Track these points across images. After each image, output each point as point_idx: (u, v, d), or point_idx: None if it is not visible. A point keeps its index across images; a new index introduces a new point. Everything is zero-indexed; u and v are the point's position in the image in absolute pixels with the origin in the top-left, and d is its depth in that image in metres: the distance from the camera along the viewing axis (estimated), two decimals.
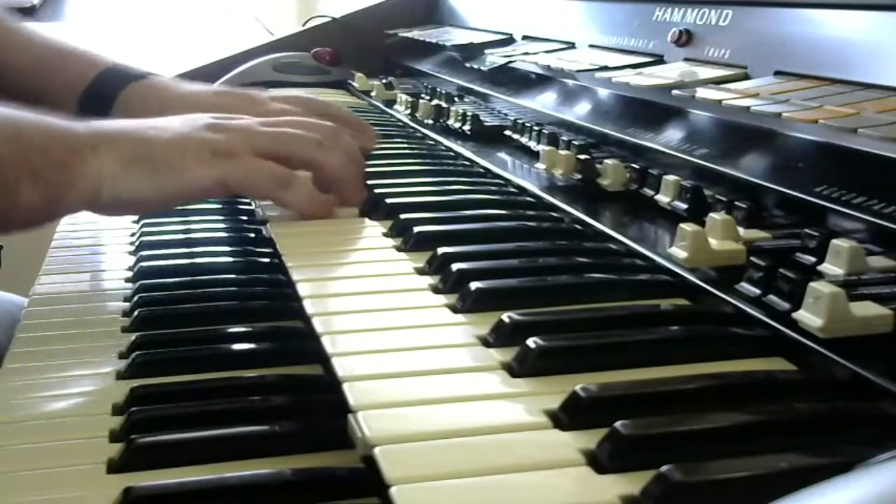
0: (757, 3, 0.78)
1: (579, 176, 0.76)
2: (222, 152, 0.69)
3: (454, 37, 1.35)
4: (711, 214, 0.58)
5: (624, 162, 0.74)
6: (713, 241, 0.56)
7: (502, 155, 0.93)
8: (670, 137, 0.76)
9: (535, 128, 0.90)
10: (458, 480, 0.36)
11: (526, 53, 1.08)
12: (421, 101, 1.13)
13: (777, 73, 0.73)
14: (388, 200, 0.74)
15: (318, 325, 0.52)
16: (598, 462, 0.37)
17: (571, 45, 1.05)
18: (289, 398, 0.52)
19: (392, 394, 0.43)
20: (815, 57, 0.70)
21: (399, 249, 0.65)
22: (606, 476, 0.36)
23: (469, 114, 1.01)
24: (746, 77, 0.75)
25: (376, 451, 0.38)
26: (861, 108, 0.60)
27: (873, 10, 0.66)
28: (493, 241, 0.64)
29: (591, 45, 1.01)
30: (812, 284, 0.45)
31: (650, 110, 0.82)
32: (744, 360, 0.47)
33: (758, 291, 0.50)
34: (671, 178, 0.67)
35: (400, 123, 1.14)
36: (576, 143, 0.83)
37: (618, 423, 0.37)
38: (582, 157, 0.77)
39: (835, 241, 0.51)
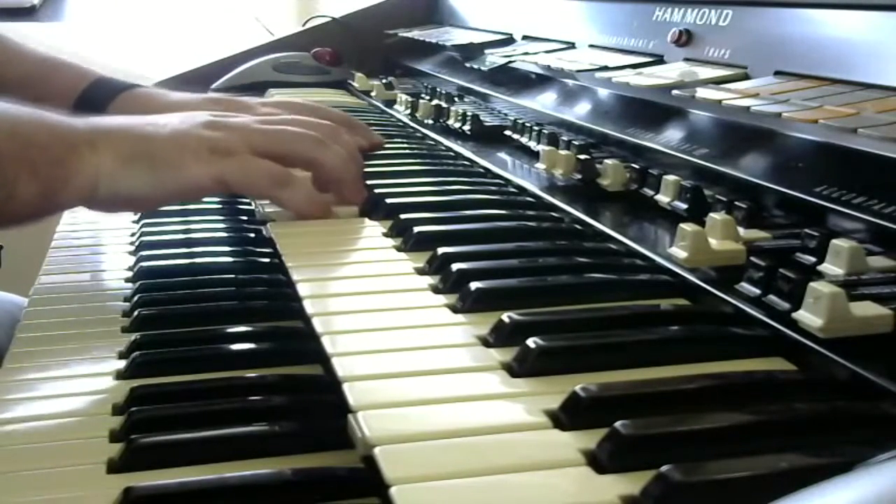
0: (757, 3, 0.78)
1: (579, 176, 0.76)
2: (221, 150, 0.68)
3: (454, 37, 1.35)
4: (711, 214, 0.58)
5: (624, 162, 0.74)
6: (713, 241, 0.56)
7: (502, 155, 0.93)
8: (670, 137, 0.76)
9: (535, 128, 0.90)
10: (458, 480, 0.36)
11: (526, 53, 1.08)
12: (421, 101, 1.13)
13: (777, 73, 0.73)
14: (388, 200, 0.74)
15: (318, 325, 0.52)
16: (598, 462, 0.37)
17: (571, 45, 1.05)
18: (289, 398, 0.52)
19: (392, 394, 0.43)
20: (815, 57, 0.70)
21: (399, 249, 0.66)
22: (606, 476, 0.36)
23: (469, 114, 1.01)
24: (746, 77, 0.75)
25: (376, 451, 0.38)
26: (861, 108, 0.60)
27: (873, 10, 0.66)
28: (493, 241, 0.64)
29: (591, 45, 1.01)
30: (812, 284, 0.45)
31: (650, 110, 0.82)
32: (744, 360, 0.47)
33: (758, 291, 0.50)
34: (671, 178, 0.67)
35: (400, 123, 1.14)
36: (576, 143, 0.83)
37: (618, 423, 0.37)
38: (582, 157, 0.77)
39: (835, 241, 0.51)
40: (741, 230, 0.58)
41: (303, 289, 0.58)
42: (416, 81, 1.40)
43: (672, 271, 0.57)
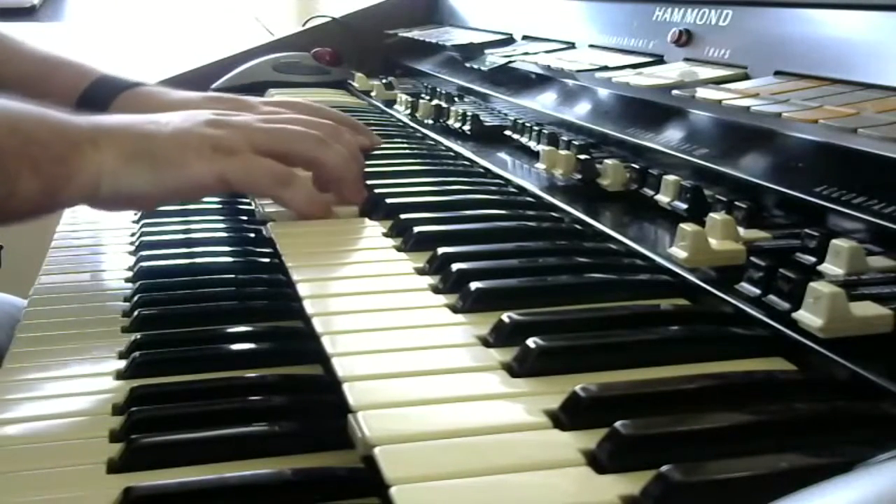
0: (757, 3, 0.78)
1: (579, 176, 0.76)
2: (223, 148, 0.68)
3: (454, 37, 1.35)
4: (711, 214, 0.58)
5: (624, 162, 0.74)
6: (713, 241, 0.56)
7: (502, 155, 0.93)
8: (670, 137, 0.76)
9: (535, 128, 0.90)
10: (458, 480, 0.36)
11: (526, 53, 1.08)
12: (421, 101, 1.13)
13: (777, 73, 0.73)
14: (388, 200, 0.74)
15: (318, 325, 0.52)
16: (598, 462, 0.37)
17: (571, 45, 1.05)
18: (289, 398, 0.52)
19: (392, 394, 0.43)
20: (815, 57, 0.70)
21: (399, 249, 0.66)
22: (606, 476, 0.36)
23: (469, 114, 1.01)
24: (746, 77, 0.75)
25: (376, 451, 0.38)
26: (861, 108, 0.60)
27: (873, 10, 0.66)
28: (493, 241, 0.64)
29: (591, 45, 1.01)
30: (812, 284, 0.45)
31: (650, 110, 0.82)
32: (744, 360, 0.47)
33: (758, 291, 0.50)
34: (671, 178, 0.67)
35: (400, 123, 1.14)
36: (576, 143, 0.83)
37: (618, 423, 0.37)
38: (582, 157, 0.77)
39: (835, 241, 0.51)
40: (741, 230, 0.58)
41: (303, 289, 0.58)
42: (416, 81, 1.40)
43: (672, 271, 0.57)
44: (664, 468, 0.34)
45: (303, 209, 0.72)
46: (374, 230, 0.70)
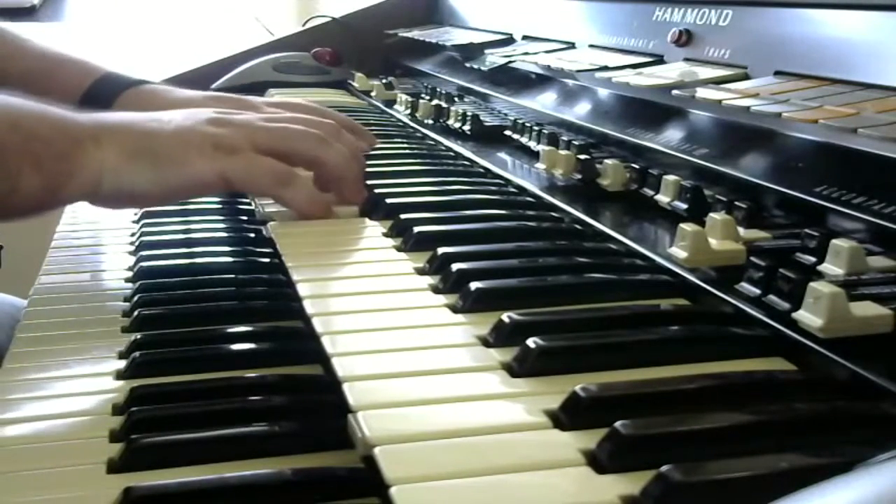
0: (757, 3, 0.78)
1: (579, 176, 0.76)
2: (224, 147, 0.68)
3: (454, 37, 1.35)
4: (711, 214, 0.58)
5: (624, 162, 0.74)
6: (713, 241, 0.56)
7: (502, 155, 0.93)
8: (670, 137, 0.76)
9: (535, 128, 0.90)
10: (458, 480, 0.36)
11: (526, 53, 1.08)
12: (421, 101, 1.13)
13: (777, 73, 0.73)
14: (388, 200, 0.74)
15: (318, 325, 0.52)
16: (598, 462, 0.37)
17: (571, 45, 1.05)
18: (289, 398, 0.52)
19: (392, 394, 0.43)
20: (815, 57, 0.70)
21: (399, 249, 0.66)
22: (606, 476, 0.36)
23: (469, 114, 1.01)
24: (746, 77, 0.75)
25: (376, 451, 0.38)
26: (861, 108, 0.60)
27: (873, 10, 0.66)
28: (493, 241, 0.64)
29: (591, 45, 1.01)
30: (812, 284, 0.45)
31: (650, 110, 0.82)
32: (744, 360, 0.47)
33: (758, 291, 0.50)
34: (671, 178, 0.67)
35: (400, 123, 1.14)
36: (576, 143, 0.83)
37: (618, 423, 0.37)
38: (582, 157, 0.77)
39: (835, 241, 0.51)
40: (741, 230, 0.58)
41: (303, 289, 0.58)
42: (416, 81, 1.40)
43: (672, 271, 0.57)
44: (664, 468, 0.34)
45: (303, 209, 0.72)
46: (374, 230, 0.70)
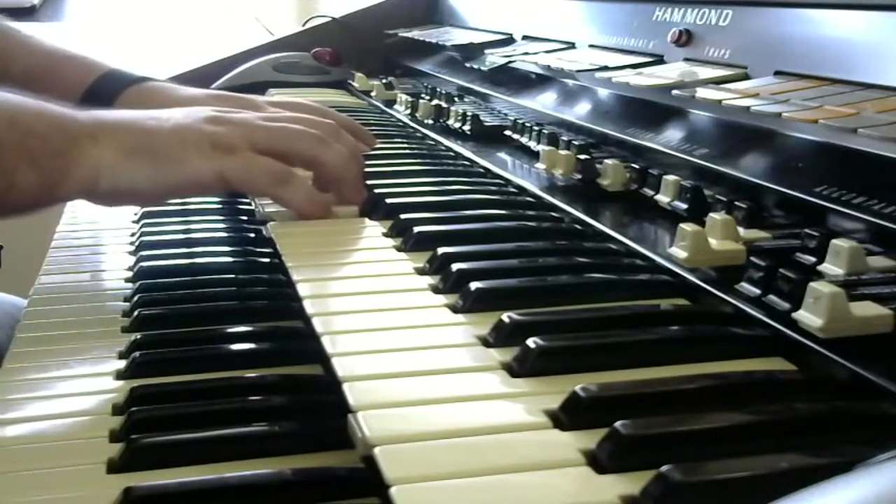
0: (757, 3, 0.78)
1: (579, 176, 0.76)
2: (222, 146, 0.68)
3: (454, 37, 1.35)
4: (711, 214, 0.58)
5: (624, 162, 0.74)
6: (713, 241, 0.56)
7: (502, 155, 0.93)
8: (670, 137, 0.76)
9: (535, 128, 0.90)
10: (458, 480, 0.36)
11: (526, 53, 1.08)
12: (421, 101, 1.13)
13: (777, 73, 0.73)
14: (388, 200, 0.74)
15: (318, 325, 0.52)
16: (598, 462, 0.37)
17: (571, 45, 1.05)
18: (289, 398, 0.52)
19: (392, 394, 0.43)
20: (815, 57, 0.70)
21: (399, 249, 0.66)
22: (606, 476, 0.36)
23: (469, 114, 1.01)
24: (746, 77, 0.75)
25: (376, 451, 0.38)
26: (861, 108, 0.60)
27: (873, 10, 0.66)
28: (493, 241, 0.64)
29: (591, 45, 1.01)
30: (812, 284, 0.45)
31: (650, 110, 0.82)
32: (744, 360, 0.47)
33: (758, 291, 0.50)
34: (671, 178, 0.67)
35: (400, 123, 1.14)
36: (576, 143, 0.83)
37: (618, 423, 0.37)
38: (582, 157, 0.77)
39: (835, 241, 0.51)
40: (741, 230, 0.58)
41: (303, 289, 0.58)
42: (416, 81, 1.40)
43: (672, 271, 0.57)
44: (664, 468, 0.34)
45: (302, 208, 0.72)
46: (374, 230, 0.70)
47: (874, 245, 0.53)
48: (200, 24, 2.57)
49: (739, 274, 0.52)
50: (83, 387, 0.54)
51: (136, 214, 0.89)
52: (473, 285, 0.54)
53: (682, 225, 0.56)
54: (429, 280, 0.59)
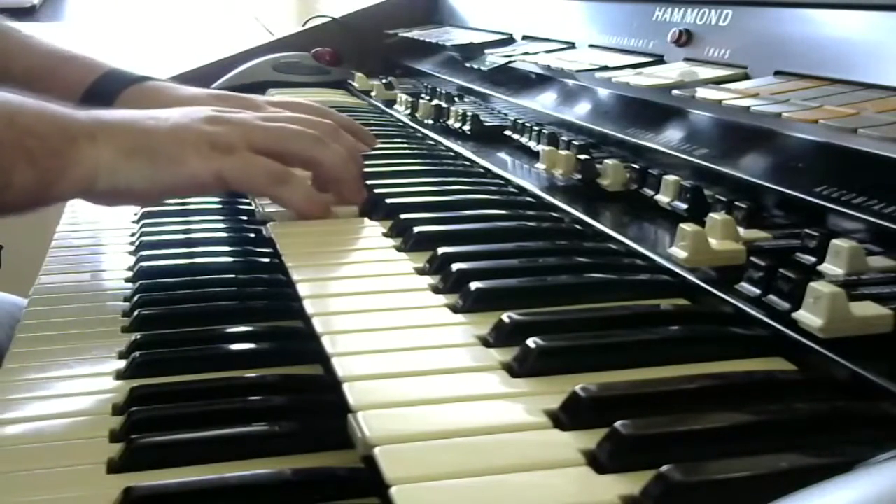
0: (757, 3, 0.78)
1: (579, 176, 0.76)
2: (221, 146, 0.68)
3: (454, 37, 1.35)
4: (711, 214, 0.58)
5: (624, 162, 0.74)
6: (713, 241, 0.56)
7: (502, 155, 0.93)
8: (670, 137, 0.76)
9: (535, 128, 0.90)
10: (457, 480, 0.36)
11: (526, 53, 1.08)
12: (421, 101, 1.13)
13: (777, 73, 0.73)
14: (388, 200, 0.74)
15: (318, 325, 0.52)
16: (598, 462, 0.37)
17: (571, 45, 1.05)
18: (289, 398, 0.52)
19: (392, 394, 0.43)
20: (815, 57, 0.70)
21: (399, 249, 0.66)
22: (606, 476, 0.36)
23: (469, 114, 1.01)
24: (746, 77, 0.75)
25: (376, 451, 0.38)
26: (861, 108, 0.60)
27: (873, 10, 0.66)
28: (493, 241, 0.64)
29: (591, 45, 1.01)
30: (812, 284, 0.45)
31: (650, 110, 0.82)
32: (744, 360, 0.47)
33: (758, 291, 0.50)
34: (671, 178, 0.67)
35: (400, 123, 1.14)
36: (576, 143, 0.83)
37: (618, 423, 0.37)
38: (582, 157, 0.77)
39: (835, 241, 0.51)
40: (741, 230, 0.58)
41: (303, 289, 0.58)
42: (416, 81, 1.40)
43: (672, 271, 0.57)
44: (664, 468, 0.34)
45: (301, 207, 0.72)
46: (373, 230, 0.70)
47: (874, 245, 0.53)
48: (200, 24, 2.57)
49: (739, 274, 0.52)
50: (83, 387, 0.54)
51: (136, 214, 0.89)
52: (473, 285, 0.54)
53: (682, 225, 0.56)
54: (429, 280, 0.59)
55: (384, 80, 1.34)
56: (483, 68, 1.19)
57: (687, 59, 0.84)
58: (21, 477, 0.44)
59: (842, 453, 0.36)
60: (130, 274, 0.73)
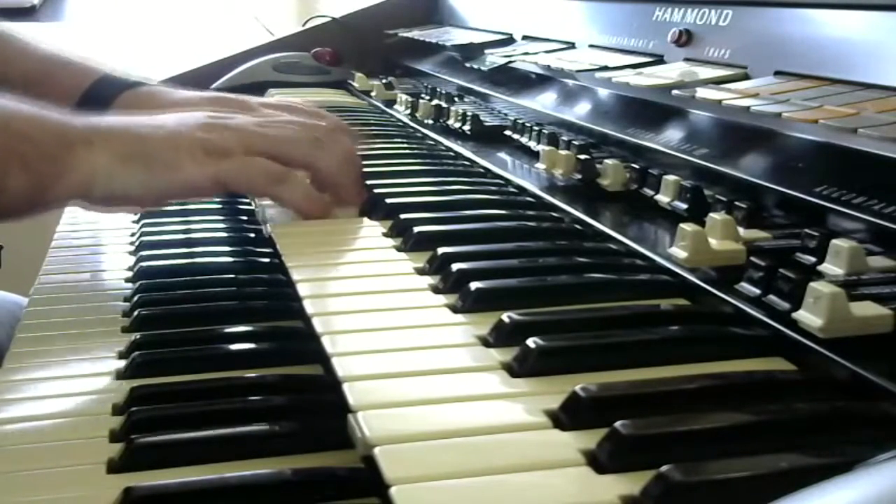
0: (757, 3, 0.78)
1: (579, 176, 0.76)
2: (216, 151, 0.69)
3: (454, 37, 1.35)
4: (711, 214, 0.58)
5: (624, 162, 0.74)
6: (713, 241, 0.56)
7: (502, 155, 0.93)
8: (670, 137, 0.76)
9: (535, 128, 0.90)
10: (457, 480, 0.36)
11: (526, 53, 1.08)
12: (421, 101, 1.13)
13: (777, 73, 0.73)
14: (388, 200, 0.74)
15: (318, 325, 0.52)
16: (598, 462, 0.37)
17: (571, 45, 1.05)
18: (289, 398, 0.52)
19: (392, 394, 0.43)
20: (815, 57, 0.70)
21: (399, 249, 0.66)
22: (606, 476, 0.36)
23: (469, 114, 1.01)
24: (746, 77, 0.75)
25: (376, 451, 0.38)
26: (861, 108, 0.60)
27: (873, 10, 0.66)
28: (493, 241, 0.64)
29: (591, 45, 1.01)
30: (812, 284, 0.45)
31: (650, 110, 0.82)
32: (744, 360, 0.47)
33: (758, 291, 0.50)
34: (671, 178, 0.67)
35: (400, 123, 1.14)
36: (576, 143, 0.83)
37: (618, 423, 0.37)
38: (582, 157, 0.77)
39: (835, 241, 0.51)
40: (741, 230, 0.58)
41: (303, 289, 0.58)
42: (416, 81, 1.40)
43: (672, 271, 0.57)
44: (664, 468, 0.34)
45: (300, 206, 0.72)
46: (373, 230, 0.70)
47: (874, 245, 0.53)
48: (200, 24, 2.57)
49: (739, 274, 0.52)
50: (83, 386, 0.54)
51: (136, 215, 0.89)
52: (473, 285, 0.54)
53: (682, 225, 0.56)
54: (429, 280, 0.59)
55: (384, 80, 1.34)
56: (483, 68, 1.19)
57: (687, 59, 0.84)
58: (21, 477, 0.44)
59: (842, 453, 0.36)
60: (130, 274, 0.73)
